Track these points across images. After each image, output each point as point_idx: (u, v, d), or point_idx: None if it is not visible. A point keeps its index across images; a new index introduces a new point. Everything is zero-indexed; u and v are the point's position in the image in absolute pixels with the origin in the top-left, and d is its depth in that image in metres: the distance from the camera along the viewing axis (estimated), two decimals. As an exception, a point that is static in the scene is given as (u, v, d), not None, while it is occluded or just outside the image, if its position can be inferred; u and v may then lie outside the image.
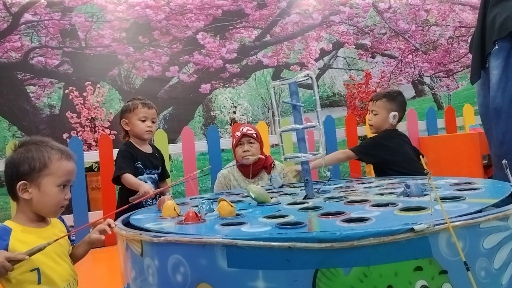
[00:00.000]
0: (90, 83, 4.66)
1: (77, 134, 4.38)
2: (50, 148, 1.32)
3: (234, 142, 2.46)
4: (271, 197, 1.54)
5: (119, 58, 5.00)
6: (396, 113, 2.42)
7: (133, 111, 2.29)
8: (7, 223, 1.30)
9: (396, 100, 2.47)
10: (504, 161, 1.52)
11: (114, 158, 3.49)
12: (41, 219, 1.35)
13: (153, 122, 2.33)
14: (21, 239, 1.26)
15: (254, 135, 2.44)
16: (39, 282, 1.25)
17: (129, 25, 5.05)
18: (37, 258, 1.24)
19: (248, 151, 2.41)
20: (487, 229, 0.98)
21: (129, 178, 2.16)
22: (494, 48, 2.49)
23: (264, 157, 2.50)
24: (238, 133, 2.46)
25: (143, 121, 2.29)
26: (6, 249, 1.22)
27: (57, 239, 1.22)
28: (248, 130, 2.45)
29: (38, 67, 4.76)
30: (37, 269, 1.25)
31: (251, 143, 2.43)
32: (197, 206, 1.38)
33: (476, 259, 0.96)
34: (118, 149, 2.35)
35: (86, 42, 4.92)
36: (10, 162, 1.30)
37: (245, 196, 1.75)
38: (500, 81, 2.46)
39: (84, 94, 4.58)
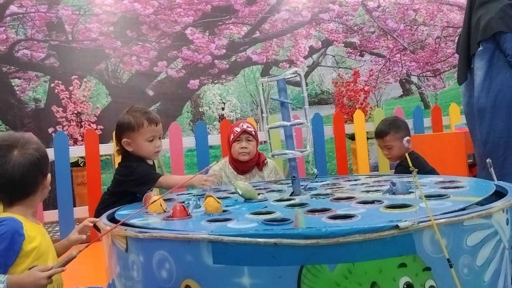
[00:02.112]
0: (76, 77, 4.59)
1: (62, 128, 4.32)
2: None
3: (232, 137, 2.45)
4: (258, 194, 1.54)
5: (107, 52, 4.94)
6: (407, 137, 2.45)
7: (137, 130, 1.85)
8: (13, 215, 1.25)
9: (400, 126, 2.54)
10: (488, 160, 1.54)
11: (100, 153, 3.46)
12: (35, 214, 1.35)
13: (160, 138, 1.94)
14: (30, 235, 1.24)
15: (253, 132, 2.45)
16: None
17: (117, 19, 4.99)
18: (43, 253, 1.25)
19: (245, 148, 2.41)
20: (471, 227, 0.99)
21: (168, 178, 1.88)
22: (478, 49, 2.53)
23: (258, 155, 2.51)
24: (238, 129, 2.44)
25: (151, 141, 1.88)
26: (22, 244, 1.20)
27: (88, 245, 1.22)
28: (248, 127, 2.45)
29: (23, 60, 4.68)
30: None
31: (249, 140, 2.43)
32: (183, 202, 1.38)
33: (459, 256, 0.97)
34: (123, 169, 1.92)
35: (73, 36, 4.85)
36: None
37: (232, 193, 1.75)
38: (484, 81, 2.50)
39: (71, 88, 4.51)
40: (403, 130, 2.54)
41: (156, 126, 1.89)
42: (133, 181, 1.84)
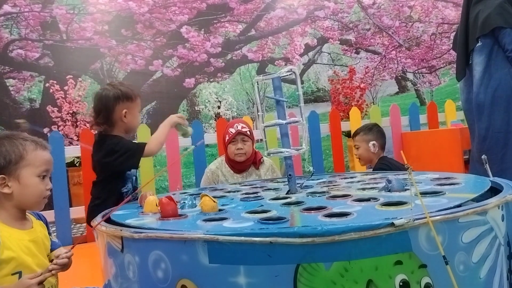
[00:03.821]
0: (71, 76, 4.57)
1: (58, 128, 4.30)
2: (23, 139, 1.29)
3: (228, 138, 2.43)
4: (255, 192, 1.54)
5: (101, 51, 4.92)
6: (374, 142, 2.62)
7: (134, 100, 1.90)
8: None
9: (372, 130, 2.69)
10: (483, 156, 1.55)
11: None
12: (23, 217, 1.32)
13: None
14: (6, 242, 1.22)
15: (248, 132, 2.43)
16: None
17: (112, 18, 4.97)
18: (23, 262, 1.22)
19: (241, 149, 2.40)
20: (466, 224, 0.99)
21: (151, 141, 1.88)
22: (477, 45, 2.54)
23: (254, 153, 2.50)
24: (232, 130, 2.42)
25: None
26: None
27: (74, 245, 1.22)
28: (243, 127, 2.43)
29: (18, 60, 4.66)
30: (19, 272, 1.22)
31: (245, 141, 2.41)
32: (178, 202, 1.37)
33: (455, 253, 0.97)
34: (105, 151, 1.85)
35: (67, 35, 4.82)
36: None
37: (228, 191, 1.75)
38: (483, 77, 2.50)
39: (65, 87, 4.49)
40: (373, 135, 2.66)
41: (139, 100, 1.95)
42: (120, 157, 1.79)
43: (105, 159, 1.84)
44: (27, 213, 1.34)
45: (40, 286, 1.16)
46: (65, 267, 1.25)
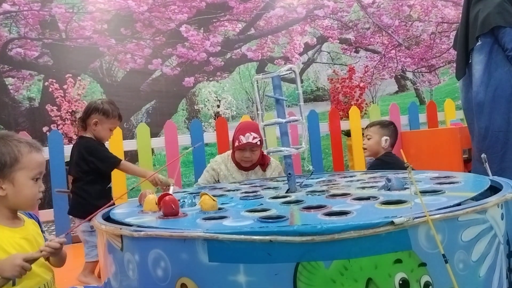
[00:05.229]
0: (70, 75, 4.57)
1: (57, 127, 4.30)
2: (18, 141, 1.28)
3: (237, 144, 2.36)
4: (254, 192, 1.54)
5: (101, 50, 4.91)
6: (387, 137, 2.59)
7: (109, 118, 2.31)
8: None
9: (388, 127, 2.66)
10: (483, 155, 1.55)
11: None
12: (14, 216, 1.32)
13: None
14: (1, 238, 1.22)
15: (259, 142, 2.35)
16: (13, 284, 1.22)
17: (111, 17, 4.96)
18: None
19: (248, 157, 2.37)
20: (466, 222, 0.99)
21: (128, 164, 2.37)
22: (477, 44, 2.54)
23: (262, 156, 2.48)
24: (243, 139, 2.33)
25: (110, 130, 2.37)
26: None
27: (67, 232, 1.25)
28: (254, 138, 2.33)
29: (17, 58, 4.65)
30: None
31: (253, 150, 2.36)
32: (178, 200, 1.37)
33: (455, 252, 0.97)
34: (83, 145, 2.30)
35: (66, 34, 4.81)
36: None
37: (228, 190, 1.75)
38: (483, 76, 2.51)
39: (65, 86, 4.49)
40: (388, 131, 2.64)
41: (120, 121, 2.40)
42: (99, 159, 2.26)
43: (85, 154, 2.26)
44: (18, 213, 1.34)
45: (27, 263, 1.16)
46: (57, 253, 1.24)
